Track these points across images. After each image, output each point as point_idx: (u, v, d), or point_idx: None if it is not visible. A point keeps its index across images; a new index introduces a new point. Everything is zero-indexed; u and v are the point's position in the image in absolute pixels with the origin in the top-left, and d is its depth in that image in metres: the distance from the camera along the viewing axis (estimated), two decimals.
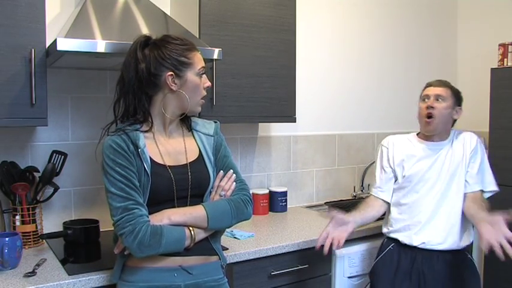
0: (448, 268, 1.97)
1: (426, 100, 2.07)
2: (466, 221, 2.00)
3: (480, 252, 2.91)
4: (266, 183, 2.80)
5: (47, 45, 1.79)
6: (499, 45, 2.97)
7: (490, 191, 2.07)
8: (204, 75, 1.55)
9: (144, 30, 1.89)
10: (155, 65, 1.47)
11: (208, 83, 1.57)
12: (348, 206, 2.67)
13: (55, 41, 1.64)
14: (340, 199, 3.00)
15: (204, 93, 1.56)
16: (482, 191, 2.04)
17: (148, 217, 1.43)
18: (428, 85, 2.12)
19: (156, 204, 1.48)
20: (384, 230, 2.15)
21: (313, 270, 2.16)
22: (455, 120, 2.10)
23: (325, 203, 2.87)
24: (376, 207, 2.12)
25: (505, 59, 2.93)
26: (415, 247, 1.99)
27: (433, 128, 2.04)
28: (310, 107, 2.94)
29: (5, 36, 1.71)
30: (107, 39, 1.74)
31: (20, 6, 1.73)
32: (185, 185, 1.52)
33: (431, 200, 2.01)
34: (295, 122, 2.49)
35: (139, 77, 1.47)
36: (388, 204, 2.13)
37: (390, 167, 2.13)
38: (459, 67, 3.72)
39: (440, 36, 3.62)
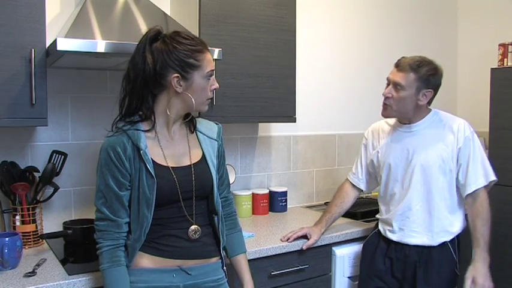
0: (417, 258, 1.99)
1: (387, 84, 2.01)
2: (445, 216, 1.97)
3: None
4: (266, 183, 2.80)
5: (47, 45, 1.79)
6: (499, 45, 2.97)
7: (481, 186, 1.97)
8: (213, 77, 1.50)
9: (144, 30, 1.88)
10: (161, 64, 1.42)
11: (216, 85, 1.51)
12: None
13: (55, 41, 1.64)
14: None
15: (211, 95, 1.52)
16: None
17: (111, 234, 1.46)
18: (396, 64, 1.99)
19: (162, 205, 1.47)
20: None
21: (313, 270, 2.16)
22: (430, 102, 2.00)
23: (325, 203, 2.86)
24: (349, 197, 2.24)
25: (505, 59, 2.93)
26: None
27: (387, 115, 2.04)
28: (310, 107, 2.94)
29: (5, 36, 1.71)
30: (107, 39, 1.74)
31: (20, 6, 1.73)
32: (189, 186, 1.50)
33: (404, 191, 2.01)
34: (295, 122, 2.49)
35: (145, 74, 1.42)
36: (360, 191, 2.25)
37: (367, 160, 2.19)
38: (459, 67, 3.72)
39: (440, 36, 3.61)
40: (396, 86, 1.94)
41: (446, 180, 1.97)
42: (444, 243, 1.98)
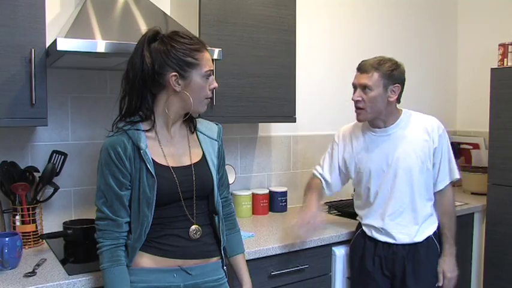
0: (405, 254, 2.02)
1: (354, 90, 2.01)
2: (427, 212, 2.04)
3: (480, 251, 2.91)
4: (266, 183, 2.80)
5: (47, 45, 1.79)
6: (499, 45, 2.97)
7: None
8: (212, 76, 1.50)
9: (144, 30, 1.88)
10: (159, 63, 1.42)
11: (215, 84, 1.51)
12: (347, 206, 2.67)
13: (55, 41, 1.64)
14: (339, 199, 2.99)
15: (210, 94, 1.52)
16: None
17: (112, 234, 1.46)
18: (358, 68, 2.01)
19: (162, 205, 1.47)
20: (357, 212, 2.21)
21: (313, 270, 2.16)
22: (399, 99, 2.02)
23: (325, 203, 2.86)
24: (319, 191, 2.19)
25: (505, 59, 2.92)
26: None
27: (364, 118, 2.02)
28: (310, 107, 2.94)
29: (5, 36, 1.71)
30: (106, 39, 1.74)
31: (20, 6, 1.73)
32: (189, 186, 1.50)
33: (387, 196, 2.02)
34: (295, 122, 2.50)
35: (143, 73, 1.43)
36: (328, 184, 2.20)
37: (339, 164, 2.17)
38: (459, 67, 3.72)
39: (440, 36, 3.61)
40: (364, 88, 1.96)
41: (424, 178, 2.02)
42: (429, 237, 2.04)
